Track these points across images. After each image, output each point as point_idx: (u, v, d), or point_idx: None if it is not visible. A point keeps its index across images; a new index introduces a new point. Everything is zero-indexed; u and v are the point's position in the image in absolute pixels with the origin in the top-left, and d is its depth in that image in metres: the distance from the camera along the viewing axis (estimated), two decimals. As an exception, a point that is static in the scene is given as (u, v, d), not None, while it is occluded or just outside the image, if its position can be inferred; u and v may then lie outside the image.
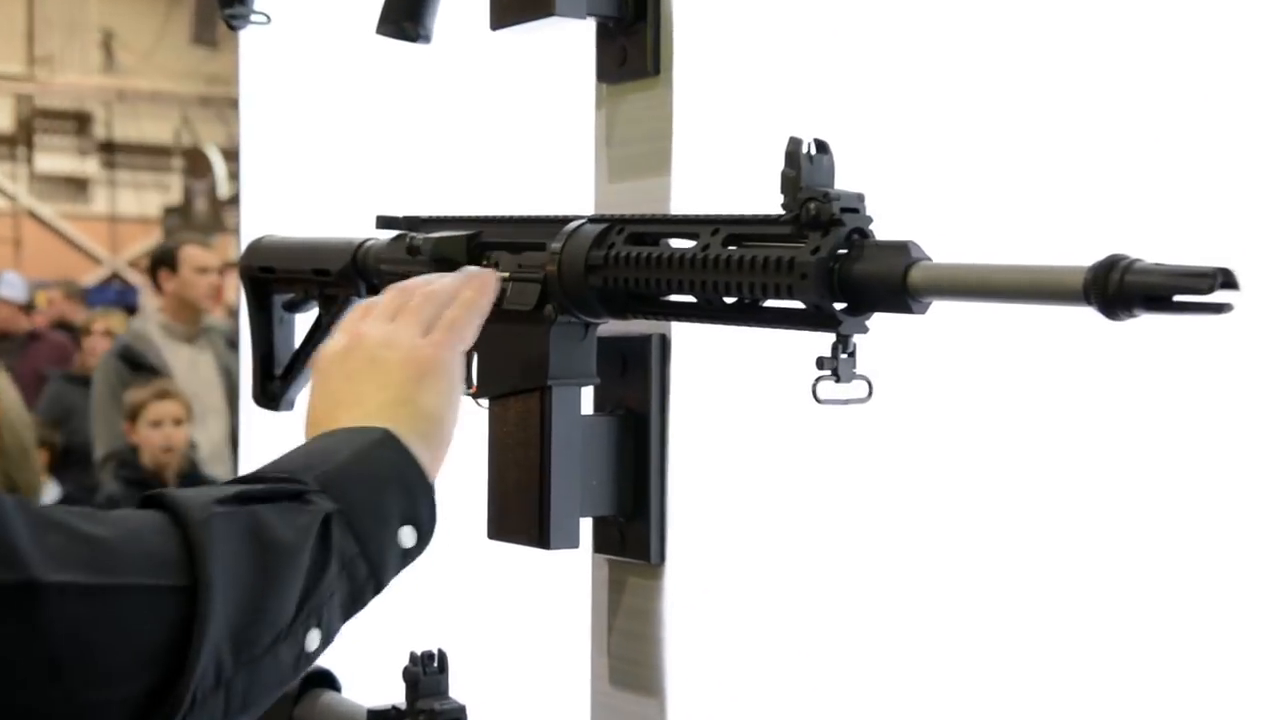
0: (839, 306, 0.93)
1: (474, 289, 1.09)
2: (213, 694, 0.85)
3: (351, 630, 0.96)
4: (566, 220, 1.13)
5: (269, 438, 1.82)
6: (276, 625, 0.89)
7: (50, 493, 4.95)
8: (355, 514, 0.94)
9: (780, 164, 0.94)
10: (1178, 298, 0.76)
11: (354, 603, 0.94)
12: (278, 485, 0.93)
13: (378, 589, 0.96)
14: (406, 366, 1.03)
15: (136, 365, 4.37)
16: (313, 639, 0.91)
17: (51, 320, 7.14)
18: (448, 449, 1.03)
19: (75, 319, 7.30)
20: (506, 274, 1.14)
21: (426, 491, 0.99)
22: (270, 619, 0.88)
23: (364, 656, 1.50)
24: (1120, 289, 0.77)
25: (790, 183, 0.94)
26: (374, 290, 1.34)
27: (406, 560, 0.97)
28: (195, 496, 0.90)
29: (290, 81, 1.83)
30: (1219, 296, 0.74)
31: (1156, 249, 0.80)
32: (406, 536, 0.97)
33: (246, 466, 1.93)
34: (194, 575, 0.85)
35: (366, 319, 1.08)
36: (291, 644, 0.90)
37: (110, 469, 4.30)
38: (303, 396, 1.45)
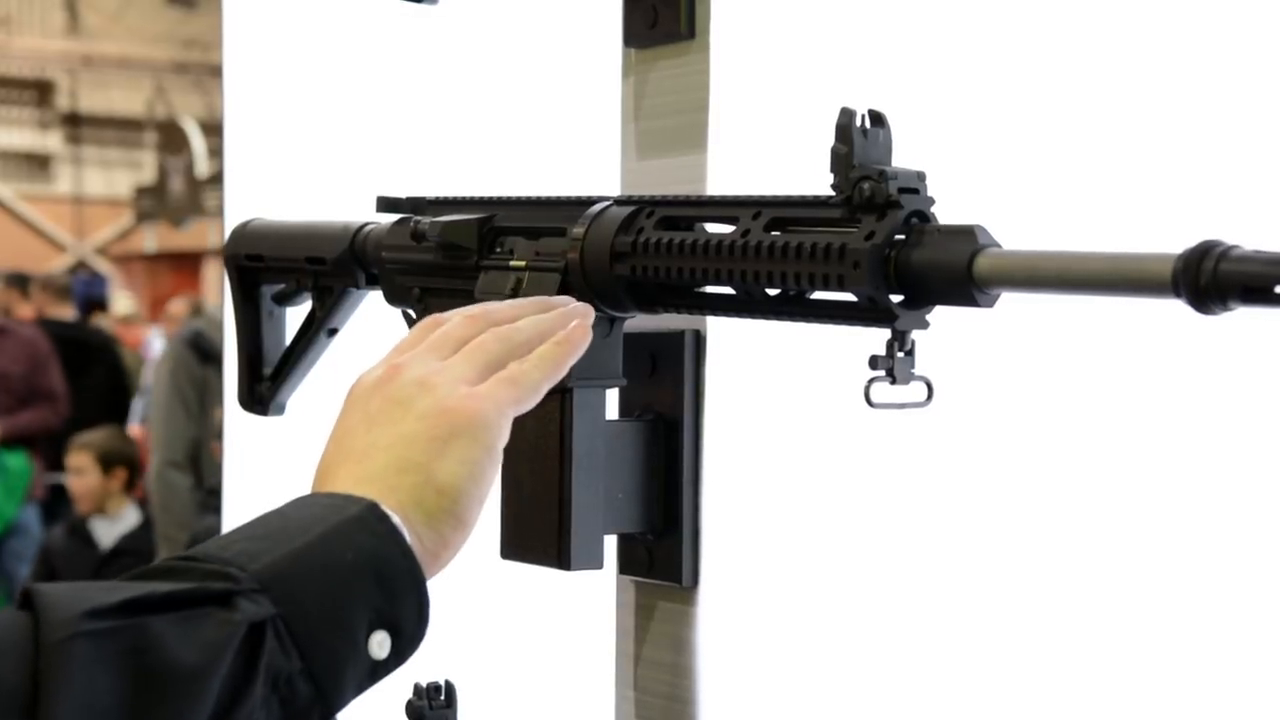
0: (896, 299, 0.93)
1: (563, 344, 0.98)
2: None
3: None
4: (590, 202, 1.13)
5: (258, 447, 1.83)
6: None
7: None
8: (302, 619, 0.82)
9: (830, 139, 0.94)
10: (1280, 289, 0.76)
11: None
12: (195, 586, 0.81)
13: (327, 715, 0.84)
14: (432, 419, 0.92)
15: (208, 356, 4.23)
16: None
17: (34, 316, 7.13)
18: (465, 535, 0.92)
19: (61, 316, 7.33)
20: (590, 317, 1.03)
21: (414, 587, 0.87)
22: None
23: (361, 689, 1.50)
24: (1215, 279, 0.77)
25: (841, 160, 0.94)
26: (373, 281, 1.35)
27: (377, 675, 0.86)
28: (66, 602, 0.78)
29: (280, 46, 1.83)
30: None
31: (1249, 237, 0.80)
32: (378, 645, 0.85)
33: (232, 482, 1.94)
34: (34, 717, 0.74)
35: (417, 346, 0.98)
36: None
37: (182, 486, 4.17)
38: (294, 401, 1.46)
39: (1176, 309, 0.80)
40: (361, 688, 0.86)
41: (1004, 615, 1.05)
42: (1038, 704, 1.03)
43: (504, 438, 0.94)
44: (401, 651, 0.87)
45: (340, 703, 0.84)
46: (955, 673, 1.08)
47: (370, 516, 0.87)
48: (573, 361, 0.99)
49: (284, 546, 0.84)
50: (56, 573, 4.73)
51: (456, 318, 1.00)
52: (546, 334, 0.99)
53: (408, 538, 0.88)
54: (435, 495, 0.90)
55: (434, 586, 0.90)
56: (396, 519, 0.88)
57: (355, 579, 0.85)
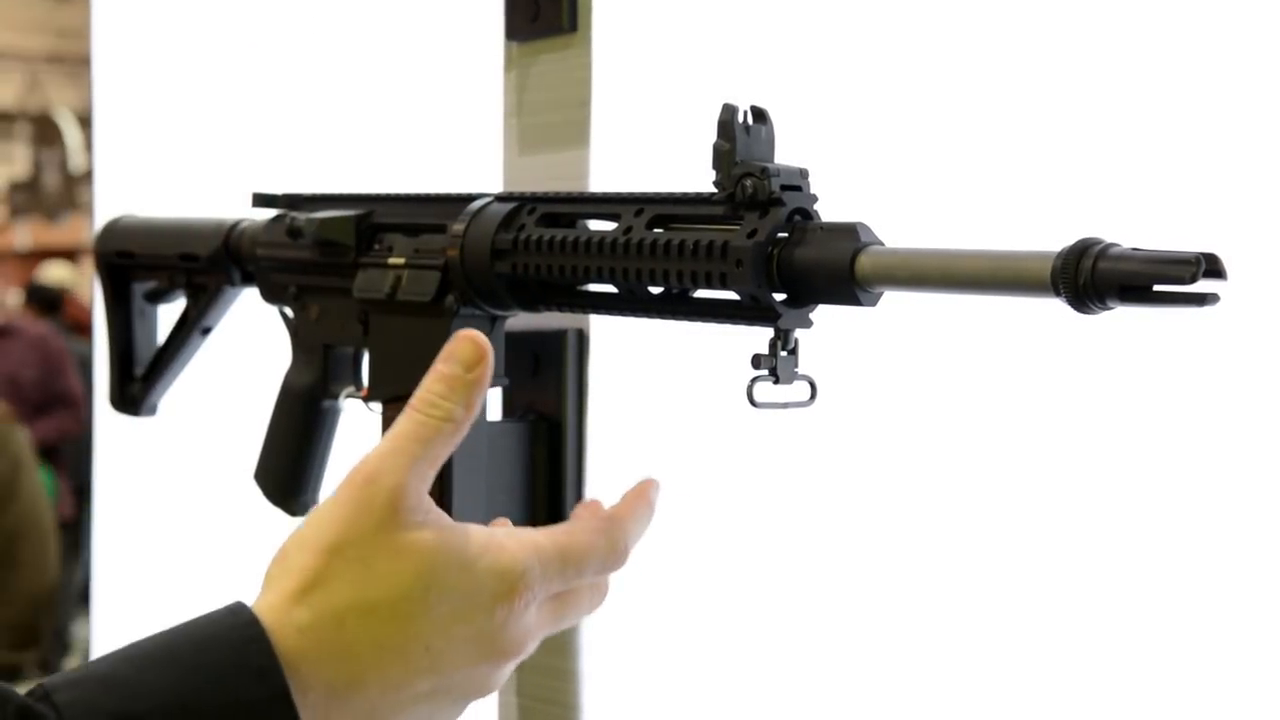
0: (778, 297, 0.94)
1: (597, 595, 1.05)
2: None
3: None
4: (470, 199, 1.13)
5: (129, 448, 1.81)
6: None
7: None
8: None
9: (713, 135, 0.94)
10: (1158, 287, 0.77)
11: None
12: None
13: None
14: (463, 691, 0.96)
15: None
16: None
17: None
18: None
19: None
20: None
21: None
22: None
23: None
24: (1092, 278, 0.78)
25: (724, 156, 0.94)
26: (248, 279, 1.33)
27: None
28: None
29: (152, 35, 1.81)
30: (1202, 286, 0.75)
31: (1148, 238, 0.81)
32: None
33: (102, 482, 1.91)
34: None
35: (585, 568, 1.01)
36: None
37: None
38: (166, 402, 1.44)
39: (1062, 308, 0.80)
40: None
41: (892, 620, 1.06)
42: (919, 702, 1.04)
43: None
44: None
45: None
46: (841, 677, 1.09)
47: None
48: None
49: None
50: None
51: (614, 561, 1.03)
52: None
53: None
54: None
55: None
56: None
57: None
